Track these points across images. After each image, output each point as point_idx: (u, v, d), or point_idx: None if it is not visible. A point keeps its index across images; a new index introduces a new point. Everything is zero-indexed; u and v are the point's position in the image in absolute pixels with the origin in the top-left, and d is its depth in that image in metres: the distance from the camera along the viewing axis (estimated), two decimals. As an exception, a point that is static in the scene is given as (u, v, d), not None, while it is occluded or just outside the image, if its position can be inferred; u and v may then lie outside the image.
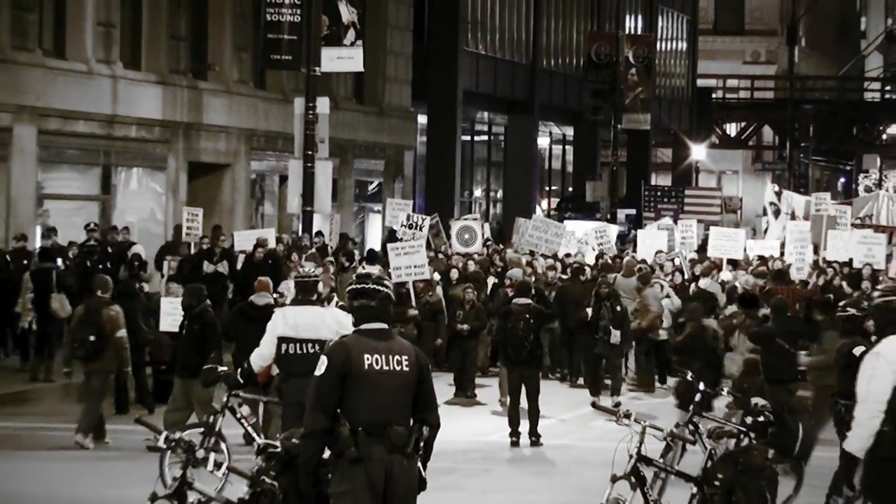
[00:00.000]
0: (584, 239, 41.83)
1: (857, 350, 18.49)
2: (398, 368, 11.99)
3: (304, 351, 18.54)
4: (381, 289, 12.46)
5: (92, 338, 23.87)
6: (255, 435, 14.57)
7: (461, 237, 37.34)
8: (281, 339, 18.72)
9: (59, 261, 32.26)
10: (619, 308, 29.66)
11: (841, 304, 23.19)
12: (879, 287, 22.67)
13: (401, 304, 27.16)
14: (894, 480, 13.23)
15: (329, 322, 18.86)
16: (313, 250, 35.42)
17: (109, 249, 33.73)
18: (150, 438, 21.77)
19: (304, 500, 12.18)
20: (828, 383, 22.22)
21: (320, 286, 26.54)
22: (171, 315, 25.38)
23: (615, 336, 28.97)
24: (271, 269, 30.11)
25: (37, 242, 34.96)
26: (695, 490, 14.36)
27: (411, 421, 12.10)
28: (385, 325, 12.21)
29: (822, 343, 23.16)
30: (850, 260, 37.11)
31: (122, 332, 24.47)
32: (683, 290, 32.80)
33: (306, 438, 11.97)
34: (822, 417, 22.44)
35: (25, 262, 31.42)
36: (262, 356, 18.77)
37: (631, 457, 14.33)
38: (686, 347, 24.11)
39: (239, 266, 35.24)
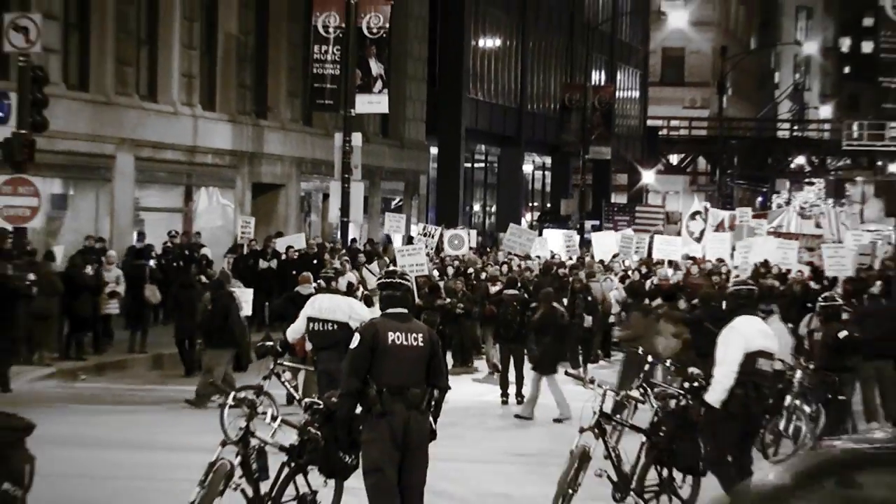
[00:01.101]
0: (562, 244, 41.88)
1: (842, 334, 18.47)
2: (414, 343, 11.95)
3: (324, 328, 18.50)
4: (404, 283, 12.46)
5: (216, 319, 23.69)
6: (295, 395, 14.47)
7: (452, 243, 37.14)
8: (309, 319, 18.70)
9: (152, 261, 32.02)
10: (589, 298, 29.52)
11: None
12: (733, 279, 22.71)
13: (431, 294, 27.03)
14: (733, 432, 13.61)
15: (344, 308, 18.79)
16: (343, 251, 35.40)
17: (187, 252, 33.53)
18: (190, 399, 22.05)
19: (340, 445, 12.12)
20: (637, 346, 22.38)
21: (346, 279, 26.79)
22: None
23: (587, 321, 28.81)
24: (310, 266, 29.93)
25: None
26: (644, 439, 14.25)
27: (425, 385, 12.00)
28: (406, 310, 12.14)
29: (631, 321, 23.44)
30: (766, 261, 36.94)
31: (240, 314, 24.06)
32: (634, 284, 32.63)
33: (343, 397, 11.94)
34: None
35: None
36: (294, 330, 18.82)
37: (595, 413, 14.18)
38: (540, 325, 23.93)
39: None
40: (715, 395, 13.65)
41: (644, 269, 35.37)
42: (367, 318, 19.32)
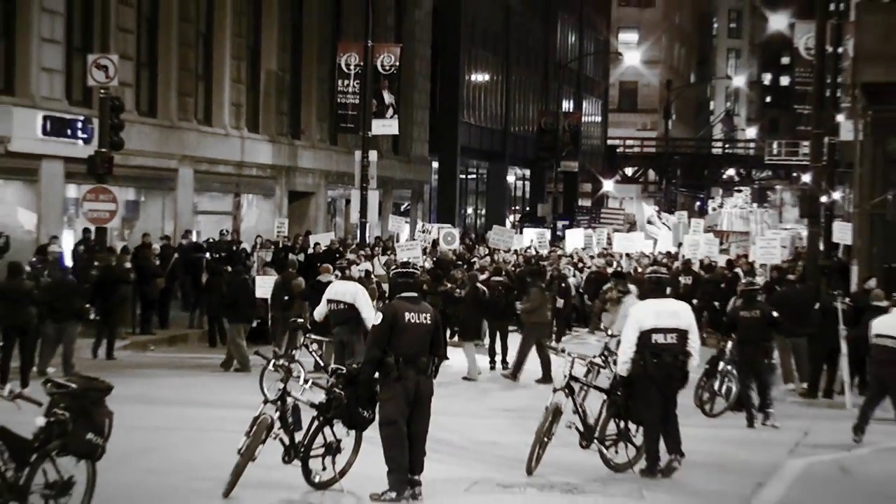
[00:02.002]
0: (534, 242, 41.89)
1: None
2: (424, 321, 12.01)
3: (339, 308, 19.13)
4: (415, 272, 12.82)
5: (285, 297, 23.65)
6: (320, 362, 14.48)
7: (446, 239, 37.17)
8: (328, 301, 19.32)
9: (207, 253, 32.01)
10: (563, 285, 29.37)
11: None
12: (650, 268, 22.64)
13: (435, 281, 26.99)
14: (651, 393, 13.55)
15: (352, 291, 19.42)
16: (353, 245, 35.64)
17: (235, 248, 33.54)
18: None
19: (360, 403, 12.12)
20: (533, 320, 22.64)
21: (361, 268, 26.91)
22: (262, 287, 24.99)
23: (559, 303, 28.65)
24: (332, 259, 29.94)
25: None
26: (605, 398, 14.22)
27: (430, 355, 12.06)
28: (416, 294, 12.24)
29: (531, 297, 22.90)
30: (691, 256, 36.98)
31: (252, 295, 23.96)
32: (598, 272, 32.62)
33: (366, 364, 11.99)
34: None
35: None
36: (318, 312, 19.53)
37: (565, 377, 14.17)
38: (467, 301, 24.09)
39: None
40: (619, 365, 13.72)
41: (604, 260, 35.42)
42: (366, 303, 19.69)
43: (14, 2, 29.94)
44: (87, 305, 21.41)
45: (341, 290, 19.67)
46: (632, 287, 24.45)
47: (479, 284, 23.90)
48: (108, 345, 23.67)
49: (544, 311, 23.17)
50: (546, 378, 21.70)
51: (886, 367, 16.75)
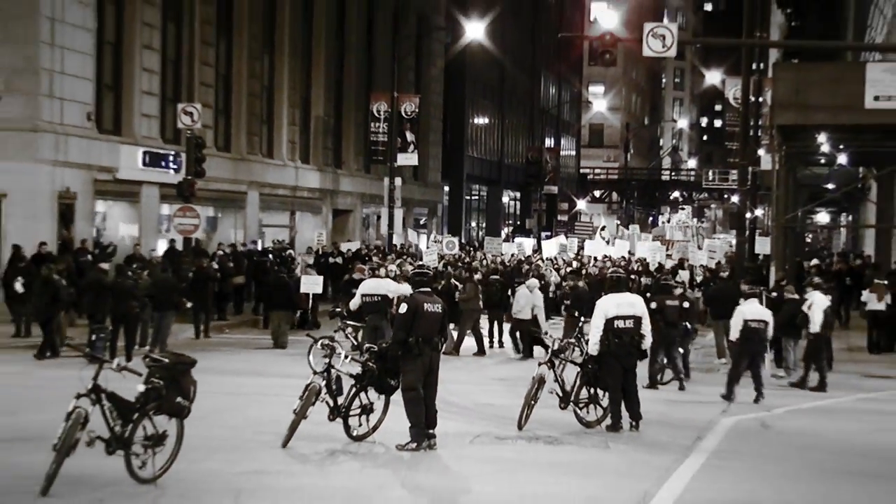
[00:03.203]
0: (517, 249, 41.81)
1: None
2: (437, 310, 11.98)
3: (372, 300, 19.02)
4: (429, 272, 12.92)
5: (353, 291, 23.36)
6: (355, 343, 14.45)
7: (448, 246, 37.16)
8: (363, 295, 19.15)
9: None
10: (543, 282, 29.17)
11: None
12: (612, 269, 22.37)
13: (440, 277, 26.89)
14: (614, 367, 13.51)
15: (384, 286, 19.49)
16: (376, 251, 35.73)
17: (283, 253, 33.54)
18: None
19: (389, 374, 12.11)
20: (470, 307, 22.24)
21: (389, 268, 26.80)
22: (306, 284, 24.98)
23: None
24: (362, 261, 29.89)
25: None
26: (579, 370, 14.20)
27: (440, 336, 12.07)
28: (430, 289, 12.24)
29: (467, 290, 22.38)
30: (644, 258, 36.85)
31: (290, 290, 23.41)
32: (575, 272, 32.41)
33: (393, 343, 11.95)
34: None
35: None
36: (354, 303, 19.13)
37: (548, 353, 14.16)
38: (441, 293, 23.66)
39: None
40: (589, 345, 13.66)
41: (575, 263, 35.26)
42: (395, 290, 19.60)
43: (121, 63, 30.13)
44: (183, 299, 21.55)
45: (374, 285, 19.59)
46: (580, 283, 24.59)
47: (453, 281, 23.45)
48: (204, 327, 23.82)
49: (477, 301, 22.70)
50: (481, 352, 21.96)
51: (756, 344, 16.68)
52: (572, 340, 14.73)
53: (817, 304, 18.51)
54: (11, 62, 25.96)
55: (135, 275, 20.65)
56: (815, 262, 34.64)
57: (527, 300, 22.11)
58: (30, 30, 26.04)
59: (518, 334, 22.22)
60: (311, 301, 25.18)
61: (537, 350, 20.92)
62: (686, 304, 18.71)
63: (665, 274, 27.48)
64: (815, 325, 18.36)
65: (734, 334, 16.80)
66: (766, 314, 16.99)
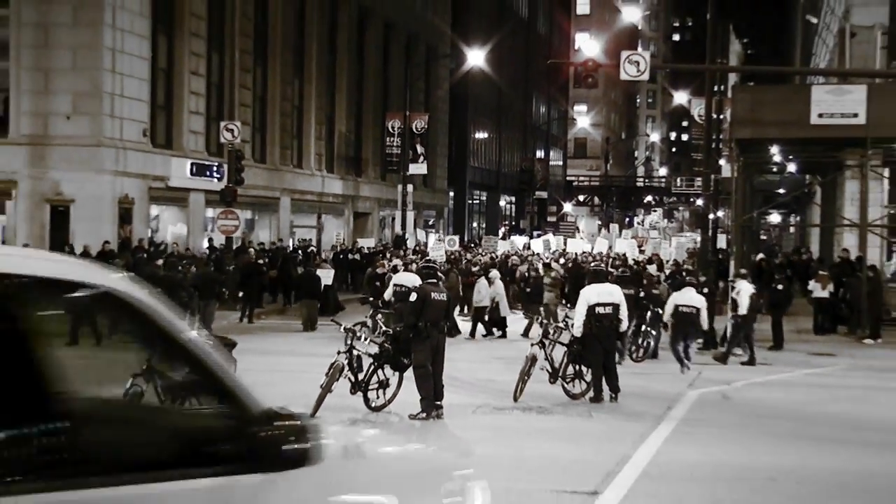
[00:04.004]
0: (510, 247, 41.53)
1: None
2: (443, 299, 11.97)
3: (401, 290, 18.49)
4: (435, 266, 12.88)
5: (377, 283, 23.10)
6: (383, 328, 14.45)
7: (449, 243, 36.86)
8: (394, 285, 19.01)
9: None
10: (534, 273, 28.97)
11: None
12: (593, 263, 22.05)
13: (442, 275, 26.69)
14: (596, 347, 13.45)
15: (412, 279, 18.70)
16: (392, 248, 35.49)
17: (309, 249, 33.49)
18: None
19: (402, 353, 12.09)
20: (452, 295, 21.73)
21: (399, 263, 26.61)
22: (325, 277, 24.96)
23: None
24: (382, 255, 29.75)
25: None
26: (566, 349, 14.18)
27: (446, 320, 12.06)
28: (437, 281, 12.22)
29: (449, 279, 22.19)
30: (625, 254, 36.61)
31: (315, 282, 23.06)
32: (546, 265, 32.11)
33: (405, 327, 11.95)
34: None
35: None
36: (387, 293, 19.09)
37: (540, 335, 14.16)
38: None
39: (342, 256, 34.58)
40: (575, 328, 13.57)
41: (562, 259, 35.10)
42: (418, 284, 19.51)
43: (172, 87, 30.13)
44: (224, 290, 21.53)
45: (404, 278, 19.40)
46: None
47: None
48: (249, 314, 23.71)
49: (457, 290, 22.58)
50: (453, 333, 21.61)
51: (687, 326, 16.85)
52: (560, 325, 14.71)
53: (744, 290, 18.63)
54: (79, 87, 26.13)
55: (183, 269, 20.63)
56: (760, 256, 34.44)
57: (486, 290, 21.86)
58: (95, 59, 26.19)
59: (477, 320, 21.84)
60: (322, 289, 25.04)
61: (511, 332, 20.79)
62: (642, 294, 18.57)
63: (682, 270, 26.92)
64: (743, 307, 18.43)
65: (667, 317, 17.14)
66: (699, 300, 17.01)
